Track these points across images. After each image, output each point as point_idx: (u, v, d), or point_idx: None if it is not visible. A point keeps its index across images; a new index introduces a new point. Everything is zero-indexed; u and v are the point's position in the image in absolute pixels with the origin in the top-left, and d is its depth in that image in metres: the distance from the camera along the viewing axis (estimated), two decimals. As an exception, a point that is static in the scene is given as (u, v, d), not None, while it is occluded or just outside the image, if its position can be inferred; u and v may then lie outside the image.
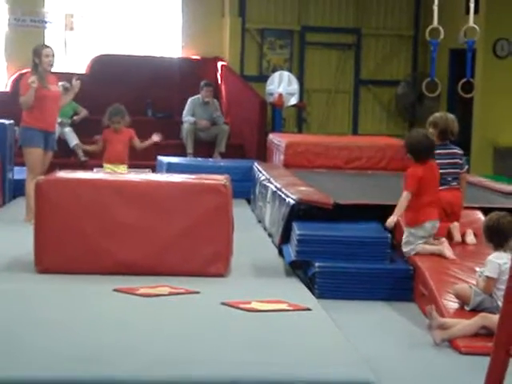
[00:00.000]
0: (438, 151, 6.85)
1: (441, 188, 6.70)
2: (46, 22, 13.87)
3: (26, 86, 8.59)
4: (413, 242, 6.42)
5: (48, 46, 8.89)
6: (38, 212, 6.60)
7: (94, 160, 12.01)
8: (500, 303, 4.33)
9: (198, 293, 5.98)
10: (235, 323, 5.26)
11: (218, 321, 5.32)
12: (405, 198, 6.42)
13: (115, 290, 5.95)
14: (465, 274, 5.96)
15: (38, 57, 8.60)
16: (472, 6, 10.53)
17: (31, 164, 8.74)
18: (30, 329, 4.99)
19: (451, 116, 7.13)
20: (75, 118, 12.72)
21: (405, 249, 6.47)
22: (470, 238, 6.68)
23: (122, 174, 8.70)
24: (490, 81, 13.43)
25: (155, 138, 10.13)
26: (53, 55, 8.68)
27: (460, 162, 7.00)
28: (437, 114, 7.27)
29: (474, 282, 5.56)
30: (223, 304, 5.64)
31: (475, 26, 10.51)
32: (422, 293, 6.02)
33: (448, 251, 6.32)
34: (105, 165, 9.79)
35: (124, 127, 9.71)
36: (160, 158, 11.45)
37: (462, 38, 10.79)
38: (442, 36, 10.72)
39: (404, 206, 6.42)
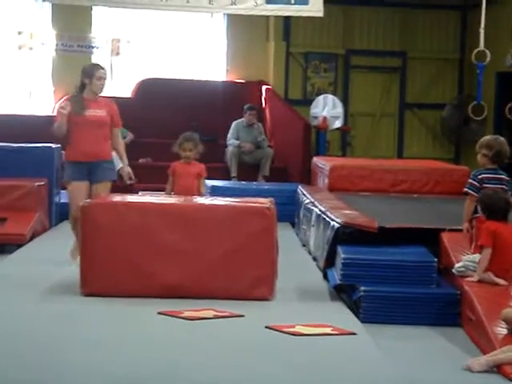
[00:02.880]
0: (487, 175, 6.78)
1: None
2: (92, 47, 14.05)
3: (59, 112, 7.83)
4: (468, 267, 6.35)
5: (102, 68, 7.90)
6: (84, 235, 6.64)
7: (139, 183, 12.11)
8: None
9: (242, 316, 5.96)
10: (279, 347, 5.23)
11: (262, 344, 5.29)
12: (486, 254, 6.22)
13: (160, 313, 5.95)
14: (513, 299, 5.87)
15: (89, 78, 7.71)
16: (519, 28, 10.48)
17: (69, 200, 7.85)
18: (76, 350, 5.01)
19: (503, 139, 7.04)
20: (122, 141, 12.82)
21: (458, 268, 6.37)
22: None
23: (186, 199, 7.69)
24: (538, 104, 13.26)
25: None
26: (105, 78, 7.86)
27: (506, 188, 6.91)
28: (489, 137, 7.16)
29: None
30: (267, 328, 5.62)
31: (522, 49, 10.45)
32: (469, 318, 5.93)
33: (498, 279, 6.22)
34: None
35: (195, 160, 8.42)
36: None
37: (508, 60, 10.71)
38: (488, 59, 10.65)
39: (486, 264, 6.22)
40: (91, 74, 7.72)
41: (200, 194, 8.29)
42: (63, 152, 9.13)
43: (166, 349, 5.13)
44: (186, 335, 5.47)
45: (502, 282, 6.19)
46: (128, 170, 8.03)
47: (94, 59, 14.00)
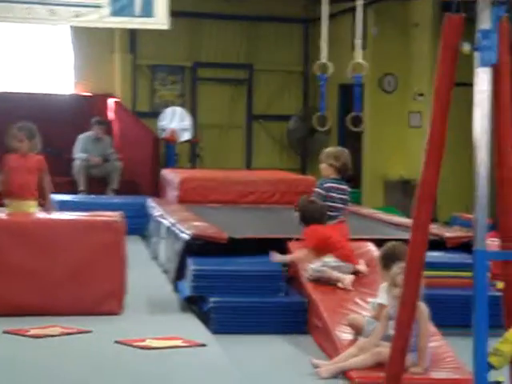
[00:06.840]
0: (333, 184, 6.95)
1: (331, 222, 6.80)
2: None
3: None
4: (320, 270, 6.46)
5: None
6: None
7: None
8: (392, 331, 4.36)
9: (90, 332, 5.87)
10: (129, 361, 5.18)
11: (111, 359, 5.23)
12: (302, 252, 6.43)
13: (5, 332, 5.79)
14: (358, 304, 6.03)
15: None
16: (359, 42, 10.80)
17: None
18: None
19: (347, 151, 7.22)
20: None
21: (310, 271, 6.48)
22: (362, 268, 6.75)
23: (29, 214, 7.25)
24: (378, 115, 13.75)
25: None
26: None
27: (347, 198, 7.11)
28: (334, 148, 7.36)
29: (368, 313, 5.61)
30: (117, 342, 5.56)
31: (362, 62, 10.77)
32: (316, 325, 6.05)
33: (347, 279, 6.36)
34: (6, 202, 7.60)
35: (32, 152, 7.59)
36: (51, 195, 11.24)
37: (350, 72, 11.01)
38: (330, 71, 10.92)
39: (299, 259, 6.48)
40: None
41: (47, 192, 7.69)
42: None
43: (10, 369, 4.98)
44: (32, 354, 5.34)
45: (347, 282, 6.32)
46: None
47: None
